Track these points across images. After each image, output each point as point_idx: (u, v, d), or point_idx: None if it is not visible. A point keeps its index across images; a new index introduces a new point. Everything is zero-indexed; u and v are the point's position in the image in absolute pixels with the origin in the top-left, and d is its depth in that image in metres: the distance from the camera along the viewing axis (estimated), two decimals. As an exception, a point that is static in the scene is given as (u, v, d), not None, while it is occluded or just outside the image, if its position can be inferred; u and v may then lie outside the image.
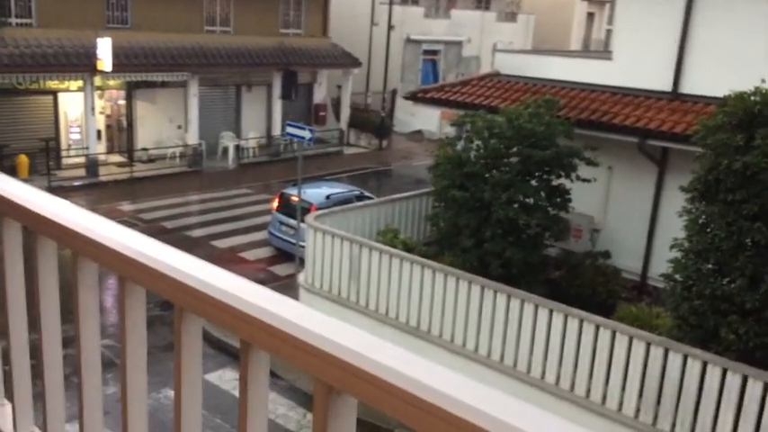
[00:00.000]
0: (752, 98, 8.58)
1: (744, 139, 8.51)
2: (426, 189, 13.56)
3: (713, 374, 7.70)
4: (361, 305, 11.00)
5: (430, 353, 10.19)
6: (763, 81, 8.69)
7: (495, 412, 0.78)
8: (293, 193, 13.76)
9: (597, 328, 8.57)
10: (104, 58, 19.51)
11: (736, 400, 7.55)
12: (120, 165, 21.99)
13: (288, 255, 14.00)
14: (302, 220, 12.07)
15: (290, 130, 13.59)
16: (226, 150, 24.13)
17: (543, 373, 9.07)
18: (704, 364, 7.76)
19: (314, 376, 0.94)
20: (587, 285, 11.95)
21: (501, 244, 11.45)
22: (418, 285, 10.25)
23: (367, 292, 10.91)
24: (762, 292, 8.14)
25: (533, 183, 11.53)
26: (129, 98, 22.79)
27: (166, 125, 23.59)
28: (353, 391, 0.91)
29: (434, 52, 33.89)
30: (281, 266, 14.40)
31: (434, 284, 10.06)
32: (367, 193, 15.94)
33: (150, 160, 22.38)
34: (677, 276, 9.14)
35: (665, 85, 12.24)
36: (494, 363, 9.53)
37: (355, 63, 28.23)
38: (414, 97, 16.14)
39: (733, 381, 7.57)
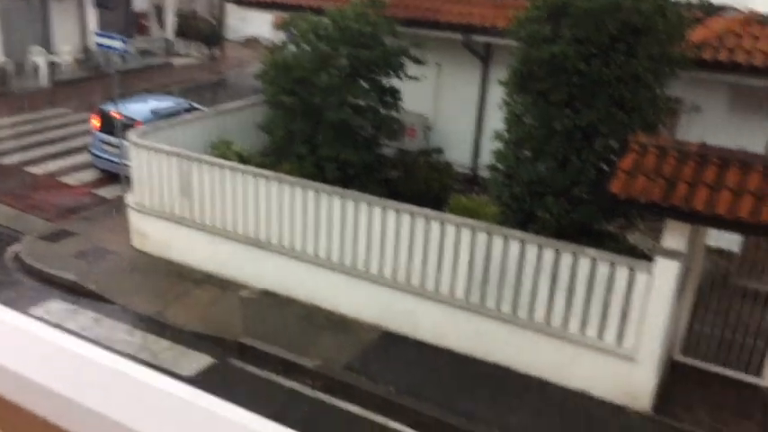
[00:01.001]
0: (559, -10, 8.95)
1: (551, 30, 8.95)
2: (258, 97, 13.15)
3: (531, 252, 8.37)
4: (196, 221, 10.71)
5: (271, 262, 10.23)
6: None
7: None
8: (114, 110, 12.84)
9: (428, 220, 8.95)
10: None
11: (551, 271, 8.29)
12: None
13: (114, 176, 13.20)
14: (124, 138, 11.34)
15: (100, 40, 12.49)
16: (37, 67, 21.88)
17: (381, 269, 9.42)
18: (523, 244, 8.40)
19: None
20: (422, 182, 12.39)
21: (335, 148, 11.48)
22: (254, 196, 10.11)
23: (201, 208, 10.61)
24: (570, 173, 8.85)
25: (363, 84, 11.53)
26: None
27: (-38, 43, 20.86)
28: None
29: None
30: (107, 189, 13.59)
31: (270, 194, 9.97)
32: (197, 106, 15.21)
33: (-53, 84, 19.83)
34: (499, 166, 9.68)
35: (484, -21, 12.47)
36: (334, 264, 9.74)
37: (176, -35, 26.19)
38: (238, 0, 15.35)
39: (547, 255, 8.28)
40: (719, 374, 8.73)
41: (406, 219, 9.10)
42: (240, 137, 12.92)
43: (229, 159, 11.29)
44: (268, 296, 10.22)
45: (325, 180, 10.61)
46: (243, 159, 11.81)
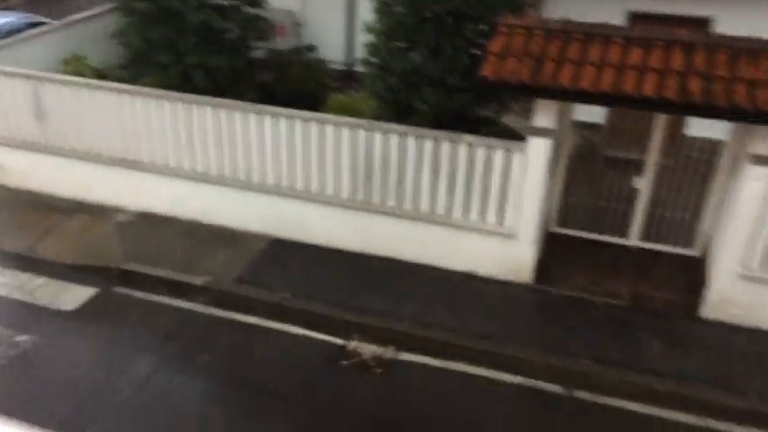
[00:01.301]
0: None
1: None
2: (111, 4, 12.08)
3: (411, 144, 8.39)
4: (56, 147, 9.95)
5: (145, 182, 9.76)
6: None
7: None
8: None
9: (306, 122, 8.73)
10: None
11: (432, 161, 8.39)
12: None
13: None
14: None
15: None
16: None
17: (263, 177, 9.20)
18: (402, 137, 8.39)
19: None
20: (297, 82, 12.03)
21: (201, 54, 10.86)
22: (117, 114, 9.45)
23: (61, 132, 9.84)
24: (443, 61, 8.81)
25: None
26: None
27: None
28: None
29: None
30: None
31: (134, 110, 9.35)
32: (43, 20, 13.83)
33: None
34: (372, 59, 9.50)
35: None
36: (214, 177, 9.41)
37: None
38: None
39: (427, 146, 8.33)
40: (592, 240, 9.34)
41: (283, 123, 8.83)
42: (94, 50, 11.95)
43: (85, 76, 10.45)
44: (146, 218, 9.82)
45: (194, 90, 10.07)
46: (100, 75, 10.96)
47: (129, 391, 6.98)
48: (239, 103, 9.01)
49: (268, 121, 8.87)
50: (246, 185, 9.33)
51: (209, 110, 9.06)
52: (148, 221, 9.76)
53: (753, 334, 7.75)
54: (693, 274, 8.69)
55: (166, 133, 9.38)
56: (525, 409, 7.02)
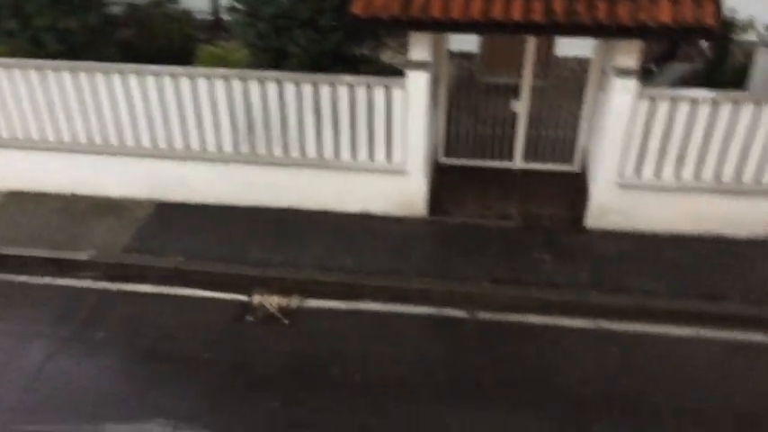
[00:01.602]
0: None
1: None
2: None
3: (289, 90, 8.17)
4: None
5: (7, 158, 9.04)
6: None
7: None
8: None
9: (175, 78, 8.29)
10: None
11: (313, 105, 8.22)
12: None
13: None
14: None
15: None
16: None
17: (137, 140, 8.73)
18: (279, 83, 8.16)
19: None
20: (161, 36, 11.34)
21: (51, 15, 9.98)
22: (-37, 88, 8.61)
23: None
24: (311, 1, 8.54)
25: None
26: None
27: None
28: None
29: None
30: None
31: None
32: None
33: None
34: (239, 5, 9.07)
35: None
36: (84, 146, 8.84)
37: None
38: None
39: (306, 90, 8.15)
40: (480, 167, 9.57)
41: (150, 81, 8.35)
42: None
43: None
44: (16, 197, 9.13)
45: (47, 56, 9.29)
46: (-63, 47, 9.89)
47: (21, 382, 6.59)
48: (98, 63, 8.42)
49: (133, 80, 8.36)
50: (121, 151, 8.83)
51: (66, 75, 8.43)
52: (19, 201, 9.08)
53: (633, 237, 8.27)
54: (576, 188, 9.12)
55: (23, 104, 8.67)
56: (433, 336, 7.22)
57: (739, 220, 8.09)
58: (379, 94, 8.06)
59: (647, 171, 8.02)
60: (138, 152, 8.80)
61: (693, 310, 7.20)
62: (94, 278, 8.00)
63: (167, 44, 11.25)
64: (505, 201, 8.99)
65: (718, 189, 7.96)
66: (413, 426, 6.13)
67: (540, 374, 6.62)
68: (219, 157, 8.71)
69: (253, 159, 8.65)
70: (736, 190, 7.93)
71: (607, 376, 6.57)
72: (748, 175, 7.86)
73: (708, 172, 7.92)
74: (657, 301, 7.32)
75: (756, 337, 6.98)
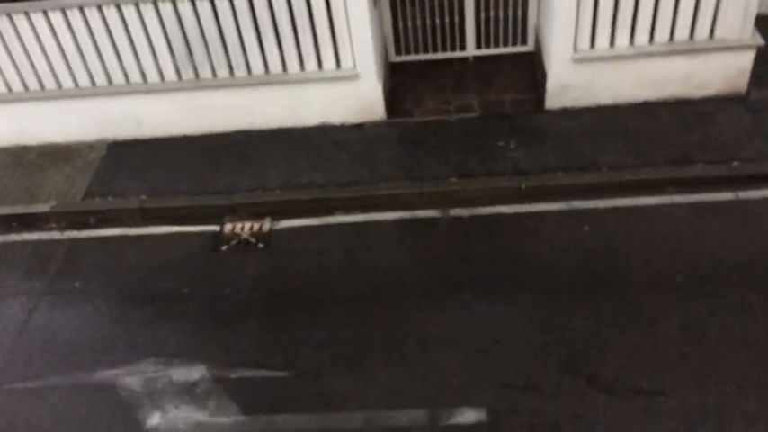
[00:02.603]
0: None
1: None
2: None
3: (222, 4, 7.72)
4: None
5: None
6: None
7: None
8: None
9: (102, 8, 7.78)
10: None
11: (250, 18, 7.81)
12: None
13: None
14: None
15: None
16: None
17: (75, 80, 8.30)
18: (212, 0, 7.70)
19: None
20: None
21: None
22: None
23: None
24: None
25: None
26: None
27: None
28: None
29: None
30: None
31: None
32: None
33: None
34: None
35: None
36: (20, 94, 8.40)
37: None
38: None
39: (240, 3, 7.70)
40: (433, 60, 9.31)
41: (76, 16, 7.83)
42: None
43: None
44: (-41, 158, 8.75)
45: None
46: None
47: (7, 340, 6.55)
48: (18, 4, 7.82)
49: (58, 16, 7.83)
50: (60, 94, 8.40)
51: (-16, 20, 7.86)
52: (-38, 162, 8.72)
53: (596, 111, 8.20)
54: (533, 69, 8.94)
55: (-56, 58, 8.14)
56: (408, 240, 7.24)
57: (698, 80, 8.03)
58: (319, -2, 7.67)
59: (602, 42, 7.84)
60: (78, 93, 8.38)
61: (661, 178, 7.26)
62: (60, 229, 7.82)
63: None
64: (464, 92, 8.81)
65: (674, 50, 7.83)
66: (401, 330, 6.24)
67: (517, 263, 6.71)
68: (163, 87, 8.33)
69: (198, 84, 8.29)
70: (691, 48, 7.81)
71: (582, 256, 6.69)
72: (701, 31, 7.72)
73: (661, 34, 7.76)
74: (625, 173, 7.35)
75: (724, 195, 7.10)
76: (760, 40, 7.73)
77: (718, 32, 7.72)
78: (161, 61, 8.15)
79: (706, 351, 5.72)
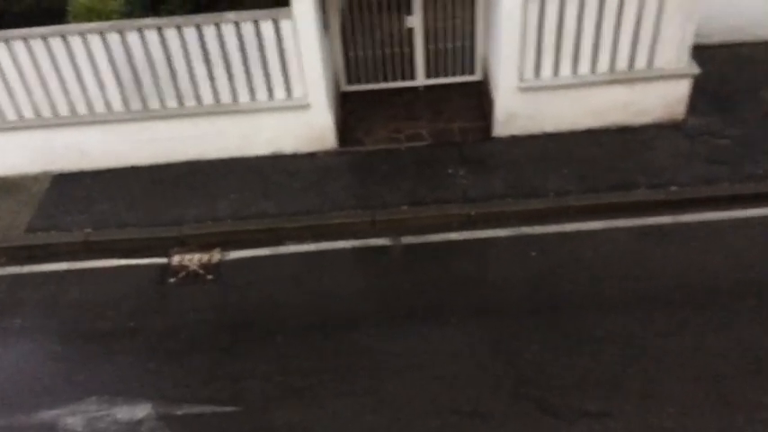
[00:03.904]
0: None
1: None
2: None
3: (171, 36, 7.72)
4: None
5: None
6: None
7: None
8: None
9: (45, 39, 7.69)
10: None
11: (200, 49, 7.81)
12: None
13: None
14: None
15: None
16: None
17: (18, 111, 8.15)
18: (160, 30, 7.68)
19: None
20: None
21: None
22: None
23: None
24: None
25: None
26: None
27: None
28: None
29: None
30: None
31: None
32: None
33: None
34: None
35: None
36: None
37: None
38: None
39: (190, 34, 7.71)
40: (384, 90, 9.42)
41: (19, 46, 7.72)
42: None
43: None
44: None
45: None
46: None
47: (-60, 384, 6.31)
48: (-42, 34, 7.71)
49: (1, 48, 7.71)
50: (3, 125, 8.25)
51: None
52: None
53: (541, 139, 8.38)
54: (481, 98, 9.12)
55: None
56: (361, 268, 7.24)
57: (637, 108, 8.29)
58: (267, 28, 7.70)
59: (546, 71, 8.05)
60: (22, 125, 8.24)
61: (605, 203, 7.44)
62: (1, 264, 7.60)
63: (35, 2, 10.39)
64: (414, 121, 8.92)
65: (614, 80, 8.08)
66: (351, 360, 6.20)
67: (467, 289, 6.76)
68: (111, 118, 8.25)
69: (147, 115, 8.23)
70: (631, 78, 8.08)
71: (530, 281, 6.77)
72: (640, 61, 7.99)
73: (602, 64, 8.01)
74: (570, 198, 7.51)
75: (663, 219, 7.29)
76: (696, 69, 8.04)
77: (657, 62, 8.00)
78: (108, 92, 8.07)
79: (649, 371, 5.82)
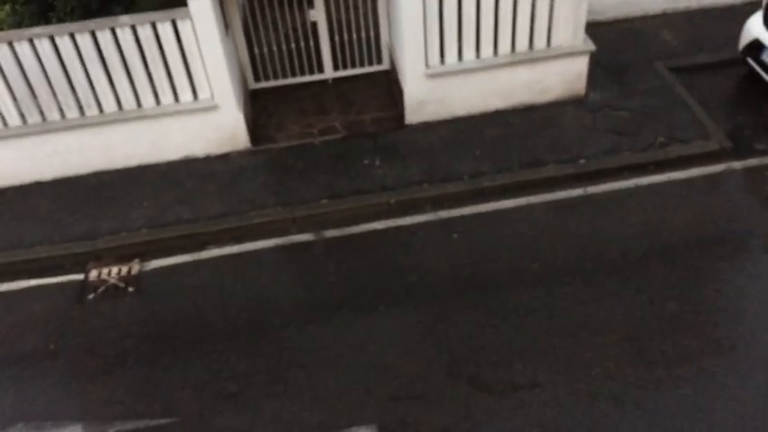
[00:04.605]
0: None
1: None
2: None
3: (64, 44, 7.39)
4: None
5: None
6: None
7: None
8: None
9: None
10: None
11: (96, 55, 7.51)
12: None
13: None
14: None
15: None
16: None
17: None
18: (52, 39, 7.34)
19: None
20: None
21: None
22: None
23: None
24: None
25: None
26: None
27: None
28: None
29: None
30: None
31: None
32: None
33: None
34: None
35: None
36: None
37: None
38: None
39: (84, 41, 7.40)
40: (292, 85, 9.35)
41: None
42: None
43: None
44: None
45: None
46: None
47: None
48: None
49: None
50: None
51: None
52: None
53: (452, 123, 8.54)
54: (391, 87, 9.19)
55: None
56: (285, 266, 7.20)
57: (540, 87, 8.57)
58: (165, 29, 7.48)
59: (451, 57, 8.20)
60: None
61: (517, 181, 7.68)
62: None
63: None
64: (326, 114, 8.90)
65: (516, 61, 8.31)
66: (283, 359, 6.17)
67: (393, 277, 6.84)
68: (7, 133, 7.83)
69: (46, 128, 7.86)
70: (532, 58, 8.33)
71: (453, 262, 6.92)
72: (539, 41, 8.25)
73: (504, 46, 8.23)
74: (484, 179, 7.70)
75: (575, 192, 7.60)
76: (592, 46, 8.38)
77: (554, 41, 8.29)
78: (2, 106, 7.66)
79: (572, 339, 6.09)
